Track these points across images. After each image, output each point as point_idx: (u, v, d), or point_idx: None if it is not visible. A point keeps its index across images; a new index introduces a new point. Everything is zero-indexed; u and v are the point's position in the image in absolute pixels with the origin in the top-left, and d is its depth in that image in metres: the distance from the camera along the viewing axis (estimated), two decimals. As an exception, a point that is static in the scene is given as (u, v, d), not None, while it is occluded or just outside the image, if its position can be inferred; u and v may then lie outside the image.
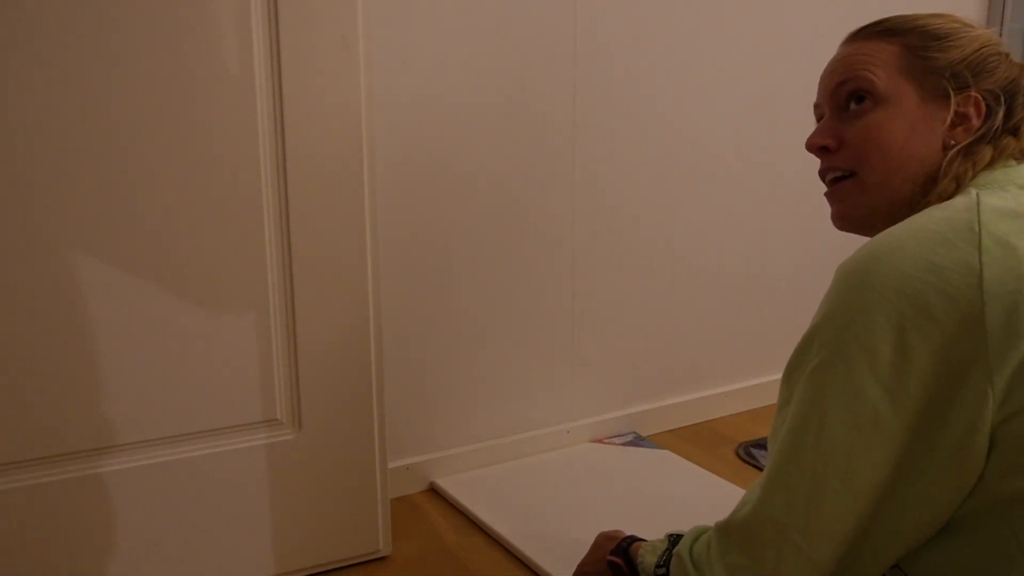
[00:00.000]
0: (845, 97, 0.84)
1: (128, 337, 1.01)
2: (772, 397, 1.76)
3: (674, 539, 0.87)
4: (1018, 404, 0.63)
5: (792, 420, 0.72)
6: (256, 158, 1.04)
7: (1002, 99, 0.80)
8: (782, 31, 1.65)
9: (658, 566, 0.86)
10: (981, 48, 0.81)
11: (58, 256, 0.96)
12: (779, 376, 0.77)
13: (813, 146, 0.86)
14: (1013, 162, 0.78)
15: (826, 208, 0.88)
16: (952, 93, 0.80)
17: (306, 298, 1.09)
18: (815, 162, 0.93)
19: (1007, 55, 0.83)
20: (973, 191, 0.72)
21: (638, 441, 1.61)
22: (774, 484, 0.72)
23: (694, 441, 1.63)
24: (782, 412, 0.75)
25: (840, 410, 0.68)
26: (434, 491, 1.43)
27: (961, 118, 0.80)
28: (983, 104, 0.80)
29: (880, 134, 0.81)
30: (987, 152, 0.78)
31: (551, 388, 1.55)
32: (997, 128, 0.80)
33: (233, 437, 1.09)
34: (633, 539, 0.95)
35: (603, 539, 1.00)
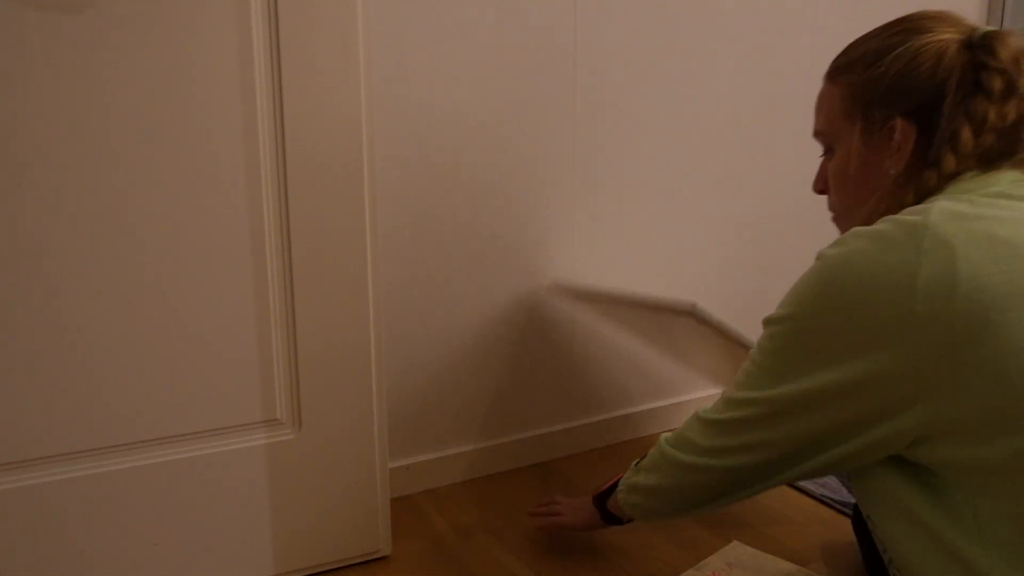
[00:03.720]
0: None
1: (128, 337, 1.01)
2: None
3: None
4: (950, 391, 0.69)
5: (751, 363, 0.83)
6: (256, 158, 1.04)
7: (927, 115, 0.79)
8: (782, 31, 1.65)
9: (635, 463, 1.02)
10: (903, 66, 0.80)
11: (57, 255, 0.96)
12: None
13: (813, 190, 0.96)
14: (978, 171, 0.78)
15: (823, 210, 0.95)
16: (884, 123, 0.82)
17: (306, 298, 1.09)
18: (813, 165, 0.95)
19: (940, 56, 0.79)
20: (933, 199, 0.76)
21: None
22: (737, 404, 0.84)
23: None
24: None
25: (787, 374, 0.79)
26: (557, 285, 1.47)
27: (897, 145, 0.82)
28: (909, 128, 0.80)
29: (835, 178, 0.90)
30: (931, 176, 0.78)
31: (551, 388, 1.55)
32: (938, 147, 0.78)
33: (233, 437, 1.09)
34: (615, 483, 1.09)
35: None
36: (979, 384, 0.68)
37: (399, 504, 1.38)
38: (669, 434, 0.94)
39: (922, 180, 0.78)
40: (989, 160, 0.78)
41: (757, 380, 0.81)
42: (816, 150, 0.94)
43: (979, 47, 0.78)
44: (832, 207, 0.93)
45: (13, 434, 0.98)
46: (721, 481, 0.87)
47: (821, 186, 0.94)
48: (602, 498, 1.13)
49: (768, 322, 0.81)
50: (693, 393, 1.73)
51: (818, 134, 0.92)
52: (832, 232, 0.94)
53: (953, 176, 0.77)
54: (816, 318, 0.76)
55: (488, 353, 1.46)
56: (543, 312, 1.51)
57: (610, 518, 1.13)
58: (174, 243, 1.01)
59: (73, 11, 0.92)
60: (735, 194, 1.68)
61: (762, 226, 1.74)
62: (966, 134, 0.77)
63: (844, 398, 0.75)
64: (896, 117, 0.81)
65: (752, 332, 1.59)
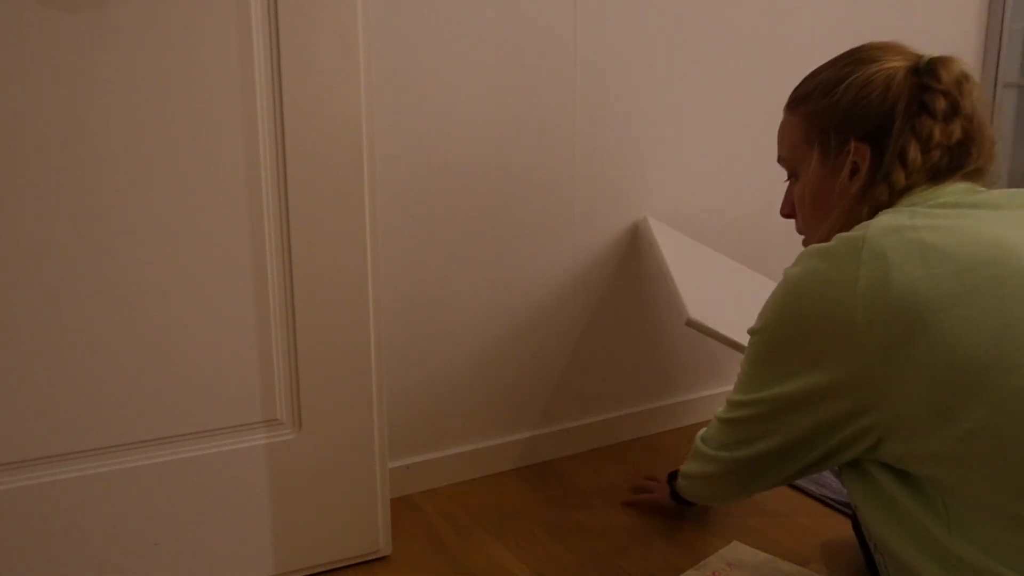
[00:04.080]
0: None
1: (128, 337, 1.01)
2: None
3: None
4: (896, 389, 0.75)
5: (743, 371, 0.92)
6: (256, 158, 1.04)
7: (879, 137, 0.86)
8: (782, 30, 1.65)
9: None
10: (855, 94, 0.88)
11: (57, 255, 0.96)
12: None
13: (781, 214, 1.04)
14: (927, 185, 0.84)
15: None
16: (840, 147, 0.89)
17: (306, 298, 1.09)
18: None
19: (889, 82, 0.86)
20: (879, 215, 0.82)
21: None
22: (734, 406, 0.94)
23: (688, 437, 1.63)
24: None
25: (763, 381, 0.88)
26: (641, 224, 1.49)
27: (854, 167, 0.89)
28: (864, 150, 0.88)
29: (799, 200, 0.98)
30: (883, 190, 0.85)
31: (551, 389, 1.55)
32: (888, 164, 0.85)
33: (233, 437, 1.09)
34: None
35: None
36: (919, 381, 0.74)
37: (399, 504, 1.38)
38: (704, 428, 1.03)
39: (875, 195, 0.85)
40: (938, 174, 0.84)
41: (745, 385, 0.91)
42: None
43: (925, 72, 0.86)
44: (799, 229, 1.00)
45: (13, 434, 0.98)
46: (736, 471, 0.96)
47: (788, 210, 1.01)
48: (671, 479, 1.26)
49: (750, 333, 0.90)
50: (693, 393, 1.73)
51: (782, 160, 1.00)
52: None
53: (904, 191, 0.84)
54: (781, 331, 0.84)
55: (488, 353, 1.46)
56: (543, 312, 1.51)
57: (679, 498, 1.24)
58: (174, 243, 1.01)
59: (73, 10, 0.92)
60: (736, 193, 1.68)
61: (761, 226, 1.74)
62: (914, 151, 0.84)
63: (814, 403, 0.82)
64: (852, 140, 0.88)
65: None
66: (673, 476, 1.25)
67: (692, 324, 1.27)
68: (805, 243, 0.99)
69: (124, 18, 0.94)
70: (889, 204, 0.85)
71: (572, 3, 1.41)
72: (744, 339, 1.28)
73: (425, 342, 1.40)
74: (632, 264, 1.58)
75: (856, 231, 0.80)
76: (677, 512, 1.33)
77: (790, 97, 0.98)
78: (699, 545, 1.23)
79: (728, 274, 1.57)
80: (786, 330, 0.83)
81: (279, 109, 1.03)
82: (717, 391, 1.76)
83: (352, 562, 1.20)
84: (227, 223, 1.04)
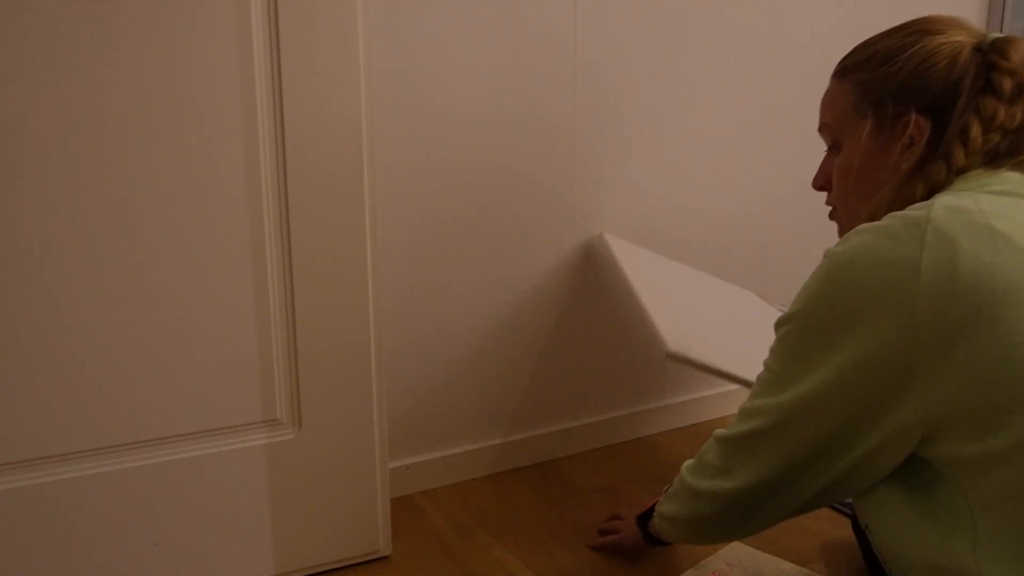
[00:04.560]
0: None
1: (128, 337, 1.01)
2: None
3: None
4: (951, 384, 0.70)
5: (765, 369, 0.84)
6: (256, 158, 1.04)
7: (940, 112, 0.82)
8: (782, 31, 1.65)
9: (665, 490, 1.01)
10: (919, 64, 0.83)
11: (57, 255, 0.96)
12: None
13: (813, 186, 0.97)
14: (982, 170, 0.81)
15: (824, 209, 0.96)
16: (897, 118, 0.85)
17: (306, 298, 1.09)
18: (815, 163, 0.95)
19: (956, 56, 0.82)
20: (938, 195, 0.78)
21: None
22: (749, 410, 0.85)
23: (694, 441, 1.64)
24: None
25: (798, 374, 0.79)
26: (603, 239, 1.40)
27: (910, 140, 0.84)
28: (925, 123, 0.83)
29: (840, 173, 0.92)
30: (940, 168, 0.81)
31: (550, 389, 1.55)
32: (948, 141, 0.81)
33: (233, 437, 1.09)
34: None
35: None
36: (975, 376, 0.69)
37: (399, 504, 1.38)
38: (690, 460, 0.95)
39: (931, 173, 0.81)
40: (994, 159, 0.80)
41: (769, 387, 0.83)
42: (818, 148, 0.95)
43: (991, 50, 0.82)
44: (832, 202, 0.94)
45: (13, 434, 0.98)
46: (738, 503, 0.87)
47: (822, 182, 0.95)
48: (643, 520, 1.14)
49: (778, 325, 0.83)
50: (693, 393, 1.73)
51: (824, 128, 0.93)
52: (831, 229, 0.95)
53: (961, 171, 0.80)
54: (823, 310, 0.77)
55: (488, 353, 1.46)
56: (543, 312, 1.51)
57: (651, 539, 1.13)
58: (174, 243, 1.01)
59: (73, 9, 0.92)
60: (736, 193, 1.68)
61: (762, 224, 1.74)
62: (975, 130, 0.79)
63: (851, 384, 0.76)
64: (912, 112, 0.83)
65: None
66: (644, 517, 1.14)
67: (673, 357, 1.17)
68: (833, 216, 0.94)
69: (124, 18, 0.94)
70: (945, 184, 0.80)
71: (572, 3, 1.41)
72: (735, 366, 1.24)
73: (425, 342, 1.40)
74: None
75: (915, 210, 0.75)
76: (646, 550, 1.20)
77: (839, 64, 0.92)
78: (699, 545, 1.23)
79: (709, 293, 1.50)
80: (828, 308, 0.76)
81: (279, 109, 1.03)
82: (716, 391, 1.76)
83: (352, 562, 1.20)
84: (227, 223, 1.04)
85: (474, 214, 1.40)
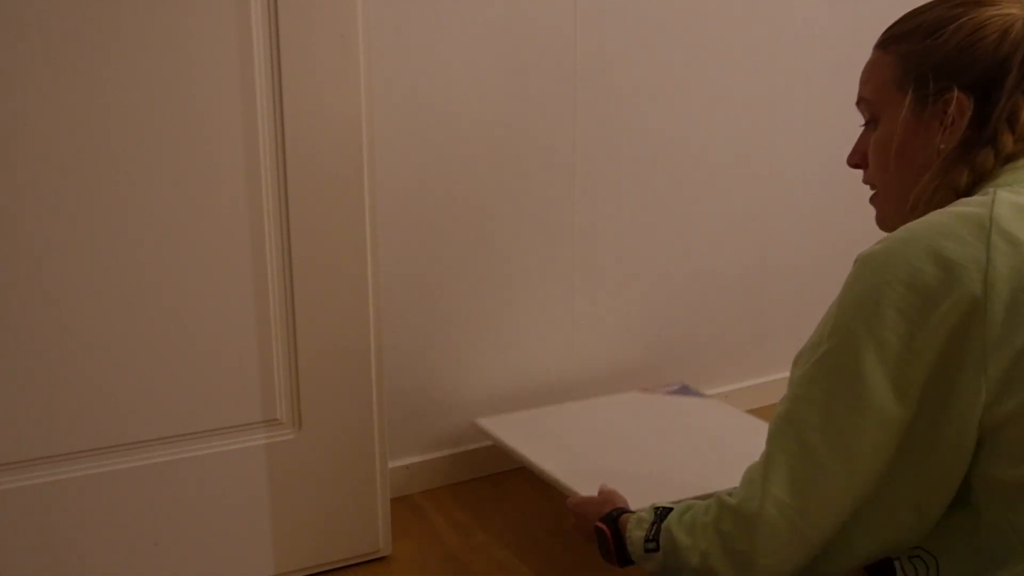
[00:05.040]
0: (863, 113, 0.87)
1: (128, 337, 1.01)
2: (774, 397, 1.76)
3: (660, 511, 0.87)
4: (1013, 399, 0.65)
5: (795, 401, 0.73)
6: (256, 158, 1.04)
7: (986, 91, 0.75)
8: (782, 31, 1.65)
9: (647, 540, 0.86)
10: (965, 37, 0.76)
11: (57, 255, 0.96)
12: (781, 376, 0.78)
13: (848, 163, 0.89)
14: None
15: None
16: (939, 95, 0.77)
17: (306, 298, 1.09)
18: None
19: (1006, 31, 0.75)
20: (992, 188, 0.71)
21: (686, 390, 1.56)
22: (776, 462, 0.73)
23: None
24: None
25: (846, 395, 0.70)
26: (476, 429, 1.38)
27: (952, 119, 0.77)
28: (967, 102, 0.76)
29: (877, 151, 0.84)
30: (987, 155, 0.74)
31: (551, 389, 1.55)
32: (995, 125, 0.74)
33: (233, 437, 1.09)
34: (623, 510, 0.95)
35: (602, 498, 1.01)
36: None
37: (399, 504, 1.38)
38: (678, 519, 0.83)
39: (978, 160, 0.74)
40: None
41: (811, 420, 0.72)
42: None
43: None
44: (870, 181, 0.87)
45: (13, 434, 0.98)
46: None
47: (857, 159, 0.88)
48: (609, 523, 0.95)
49: (812, 347, 0.74)
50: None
51: (862, 102, 0.86)
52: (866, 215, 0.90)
53: (1009, 159, 0.74)
54: (871, 318, 0.69)
55: (488, 352, 1.46)
56: (543, 312, 1.51)
57: (608, 553, 0.95)
58: (174, 243, 1.01)
59: (73, 9, 0.92)
60: (738, 191, 1.68)
61: (765, 223, 1.74)
62: None
63: (914, 396, 0.68)
64: (954, 89, 0.76)
65: (752, 325, 1.58)
66: (608, 522, 0.94)
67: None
68: (873, 200, 0.87)
69: (124, 18, 0.94)
70: (993, 172, 0.74)
71: (572, 3, 1.41)
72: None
73: (425, 341, 1.40)
74: (632, 264, 1.59)
75: (971, 207, 0.69)
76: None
77: (884, 35, 0.84)
78: (699, 545, 1.23)
79: (592, 418, 1.44)
80: (880, 318, 0.68)
81: (279, 109, 1.03)
82: (716, 391, 1.76)
83: (352, 562, 1.20)
84: (227, 223, 1.04)
85: (474, 212, 1.40)
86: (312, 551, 1.17)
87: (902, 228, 0.71)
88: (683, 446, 1.32)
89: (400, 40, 1.28)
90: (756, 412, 1.77)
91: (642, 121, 1.53)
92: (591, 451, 1.30)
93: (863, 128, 0.88)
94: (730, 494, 0.78)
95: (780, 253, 1.77)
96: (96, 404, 1.01)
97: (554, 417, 1.43)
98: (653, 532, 0.85)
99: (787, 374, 0.78)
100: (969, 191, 0.75)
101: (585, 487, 1.09)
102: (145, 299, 1.01)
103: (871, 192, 0.87)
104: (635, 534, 0.88)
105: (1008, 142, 0.74)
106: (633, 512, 0.92)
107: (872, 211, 0.87)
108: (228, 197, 1.03)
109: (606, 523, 0.94)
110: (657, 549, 0.84)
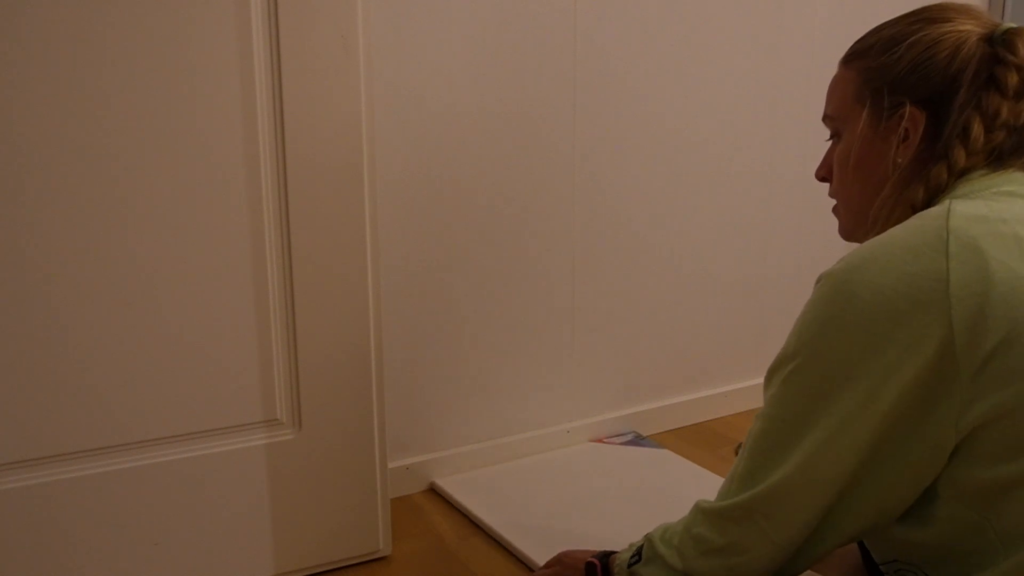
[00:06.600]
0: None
1: (128, 337, 1.01)
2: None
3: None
4: (985, 402, 0.66)
5: (765, 420, 0.77)
6: (256, 158, 1.04)
7: (939, 106, 0.77)
8: (782, 32, 1.65)
9: (632, 556, 0.90)
10: (919, 54, 0.78)
11: (56, 256, 0.96)
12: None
13: (816, 176, 0.92)
14: (986, 170, 0.75)
15: (823, 209, 0.92)
16: (894, 109, 0.79)
17: (306, 298, 1.09)
18: (814, 165, 0.94)
19: (958, 47, 0.76)
20: (947, 200, 0.73)
21: (638, 440, 1.61)
22: (745, 477, 0.77)
23: (694, 441, 1.64)
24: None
25: (812, 413, 0.72)
26: (434, 491, 1.42)
27: (905, 133, 0.79)
28: (920, 116, 0.78)
29: (839, 164, 0.86)
30: (940, 170, 0.75)
31: (551, 388, 1.55)
32: (948, 140, 0.76)
33: (233, 437, 1.09)
34: (613, 552, 0.96)
35: (569, 557, 1.03)
36: (1006, 395, 0.65)
37: (399, 504, 1.38)
38: (663, 533, 0.86)
39: (932, 175, 0.76)
40: (999, 159, 0.75)
41: (781, 437, 0.75)
42: (827, 146, 0.92)
43: (999, 42, 0.76)
44: (833, 194, 0.90)
45: (13, 434, 0.98)
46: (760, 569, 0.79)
47: (824, 172, 0.90)
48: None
49: (777, 367, 0.76)
50: (691, 394, 1.73)
51: (827, 118, 0.89)
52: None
53: (963, 173, 0.75)
54: (835, 338, 0.70)
55: (488, 352, 1.46)
56: (543, 312, 1.51)
57: None
58: (174, 243, 1.01)
59: (72, 9, 0.92)
60: (737, 191, 1.68)
61: (763, 221, 1.74)
62: (977, 128, 0.74)
63: (882, 411, 0.69)
64: (907, 104, 0.78)
65: (754, 322, 1.58)
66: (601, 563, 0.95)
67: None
68: (835, 211, 0.89)
69: (124, 18, 0.94)
70: (947, 187, 0.75)
71: (572, 3, 1.41)
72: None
73: (425, 342, 1.40)
74: (632, 264, 1.59)
75: (927, 220, 0.70)
76: None
77: (848, 51, 0.87)
78: (699, 545, 1.23)
79: (548, 476, 1.46)
80: (845, 338, 0.69)
81: (279, 109, 1.03)
82: (716, 391, 1.76)
83: (352, 562, 1.20)
84: (227, 223, 1.04)
85: (474, 212, 1.40)
86: (312, 551, 1.17)
87: (862, 245, 0.73)
88: (637, 501, 1.37)
89: (400, 40, 1.28)
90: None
91: (643, 123, 1.53)
92: (549, 513, 1.32)
93: (830, 143, 0.90)
94: (707, 501, 0.83)
95: (782, 255, 1.77)
96: (96, 404, 1.01)
97: (512, 476, 1.46)
98: (637, 549, 0.90)
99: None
100: (926, 206, 0.75)
101: (545, 554, 1.12)
102: (145, 299, 1.01)
103: (834, 203, 0.90)
104: (622, 556, 0.92)
105: (961, 157, 0.75)
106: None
107: None
108: (228, 197, 1.03)
109: (598, 558, 0.96)
110: (639, 560, 0.88)
